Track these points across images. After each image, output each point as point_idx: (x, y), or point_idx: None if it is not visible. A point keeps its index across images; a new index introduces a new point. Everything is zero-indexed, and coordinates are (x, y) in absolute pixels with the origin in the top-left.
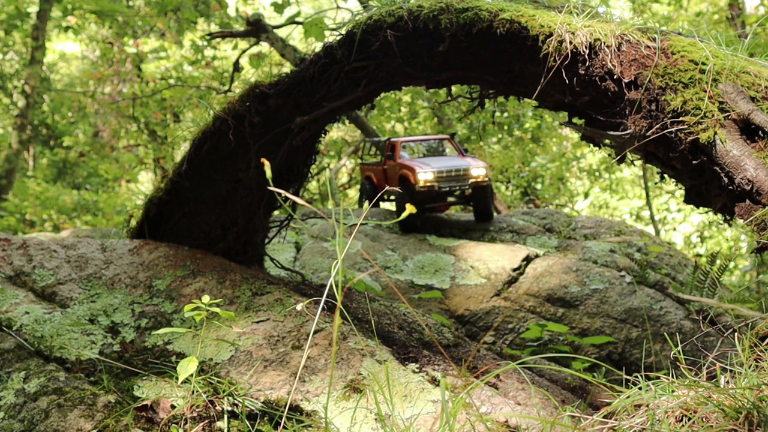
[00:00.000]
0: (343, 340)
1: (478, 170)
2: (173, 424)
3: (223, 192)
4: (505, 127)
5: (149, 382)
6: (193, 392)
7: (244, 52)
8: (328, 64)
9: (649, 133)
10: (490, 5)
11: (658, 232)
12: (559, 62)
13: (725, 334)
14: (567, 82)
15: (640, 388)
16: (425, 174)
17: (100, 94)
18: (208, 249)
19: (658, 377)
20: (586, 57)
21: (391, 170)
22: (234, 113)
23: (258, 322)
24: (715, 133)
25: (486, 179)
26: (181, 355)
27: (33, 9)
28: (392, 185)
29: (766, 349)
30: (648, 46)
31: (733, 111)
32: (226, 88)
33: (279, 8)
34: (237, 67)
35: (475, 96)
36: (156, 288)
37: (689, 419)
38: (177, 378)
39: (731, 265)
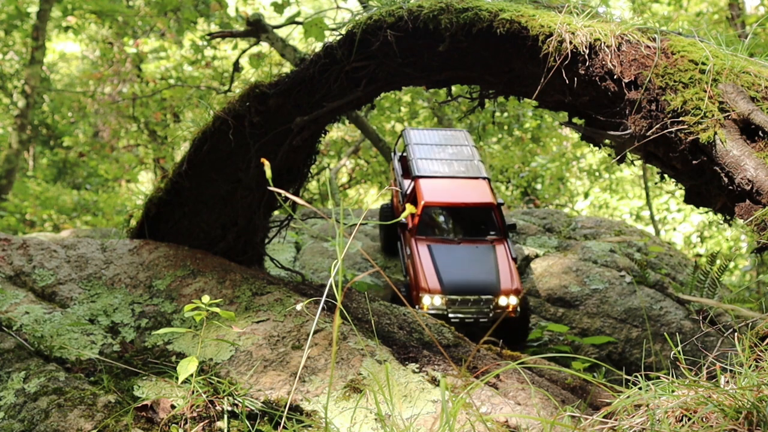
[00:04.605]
0: (343, 340)
1: (507, 298)
2: (173, 424)
3: (223, 192)
4: (505, 127)
5: (149, 382)
6: (193, 392)
7: (244, 52)
8: (328, 64)
9: (649, 133)
10: (490, 5)
11: (658, 232)
12: (559, 62)
13: (725, 334)
14: (567, 82)
15: (640, 388)
16: (431, 297)
17: (100, 94)
18: (208, 249)
19: (658, 377)
20: (586, 57)
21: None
22: (234, 113)
23: (258, 322)
24: (715, 133)
25: (518, 309)
26: (181, 355)
27: (33, 9)
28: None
29: (766, 349)
30: (648, 46)
31: (733, 111)
32: (226, 88)
33: (279, 8)
34: (237, 67)
35: (475, 96)
36: (156, 288)
37: (689, 419)
38: (177, 378)
39: (731, 265)
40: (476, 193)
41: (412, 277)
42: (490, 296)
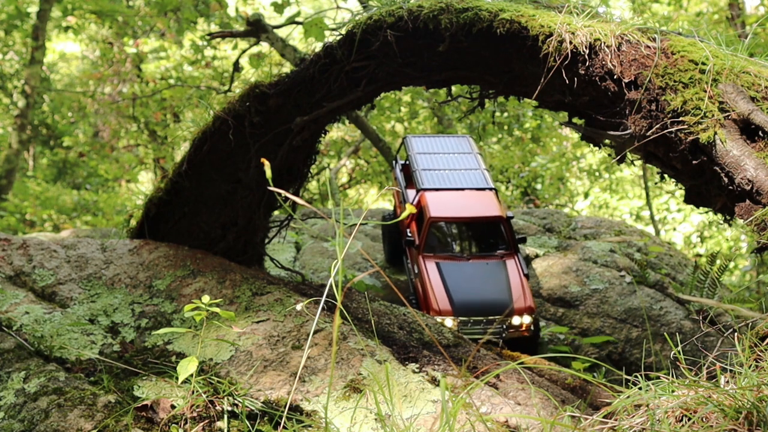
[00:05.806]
0: (343, 340)
1: (521, 318)
2: (173, 424)
3: (223, 192)
4: (505, 127)
5: (149, 382)
6: (193, 392)
7: (244, 52)
8: (328, 64)
9: (649, 133)
10: (490, 5)
11: (658, 232)
12: (559, 62)
13: (725, 334)
14: (567, 82)
15: (640, 388)
16: (442, 320)
17: (100, 94)
18: (208, 249)
19: (658, 377)
20: (586, 57)
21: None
22: (234, 113)
23: (258, 322)
24: (715, 133)
25: (531, 328)
26: (181, 355)
27: (33, 9)
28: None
29: (766, 349)
30: (648, 46)
31: (733, 111)
32: (226, 88)
33: (279, 8)
34: (237, 67)
35: (475, 96)
36: (156, 288)
37: (689, 419)
38: (177, 378)
39: (731, 265)
40: (484, 205)
41: (422, 298)
42: (505, 307)
